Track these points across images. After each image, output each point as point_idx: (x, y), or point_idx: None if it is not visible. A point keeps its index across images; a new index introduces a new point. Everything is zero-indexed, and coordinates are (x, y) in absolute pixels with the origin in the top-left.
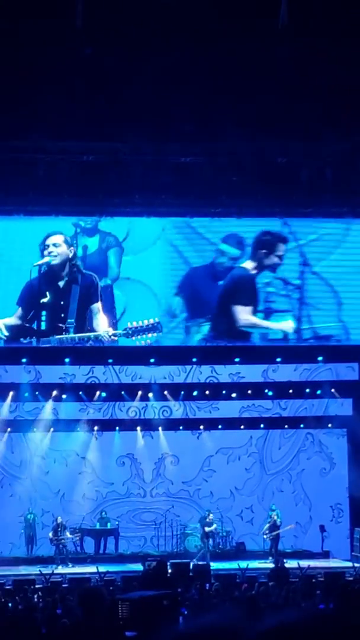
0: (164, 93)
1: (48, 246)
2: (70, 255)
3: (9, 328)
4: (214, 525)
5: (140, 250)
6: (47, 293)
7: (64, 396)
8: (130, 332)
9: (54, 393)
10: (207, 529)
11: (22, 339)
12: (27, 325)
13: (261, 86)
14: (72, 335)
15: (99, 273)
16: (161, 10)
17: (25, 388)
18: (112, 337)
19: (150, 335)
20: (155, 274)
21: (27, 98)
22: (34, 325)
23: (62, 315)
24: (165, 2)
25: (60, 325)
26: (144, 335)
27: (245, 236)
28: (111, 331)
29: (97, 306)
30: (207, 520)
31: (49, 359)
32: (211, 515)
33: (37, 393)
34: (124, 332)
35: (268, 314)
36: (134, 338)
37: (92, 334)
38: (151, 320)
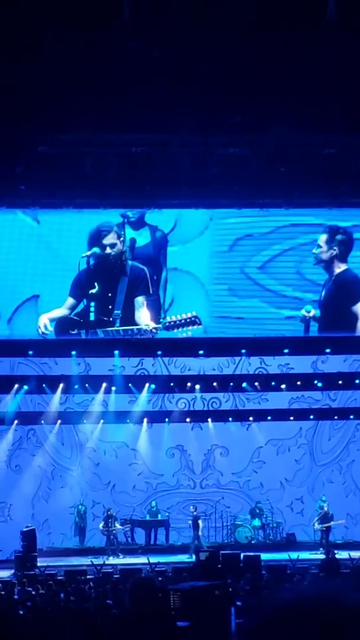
0: (211, 84)
1: (105, 246)
2: (122, 248)
3: (57, 321)
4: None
5: (188, 241)
6: (96, 284)
7: (113, 388)
8: (169, 325)
9: (104, 385)
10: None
11: (70, 331)
12: (75, 317)
13: (308, 78)
14: (117, 327)
15: (151, 265)
16: (208, 2)
17: (75, 380)
18: (153, 330)
19: (189, 328)
20: (202, 264)
21: (73, 91)
22: (83, 316)
23: (110, 307)
24: None
25: (106, 318)
26: (184, 329)
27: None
28: (152, 325)
29: (141, 299)
30: (193, 512)
31: (98, 351)
32: (192, 507)
33: (86, 385)
34: (163, 326)
35: None
36: (175, 330)
37: (134, 327)
38: (189, 315)
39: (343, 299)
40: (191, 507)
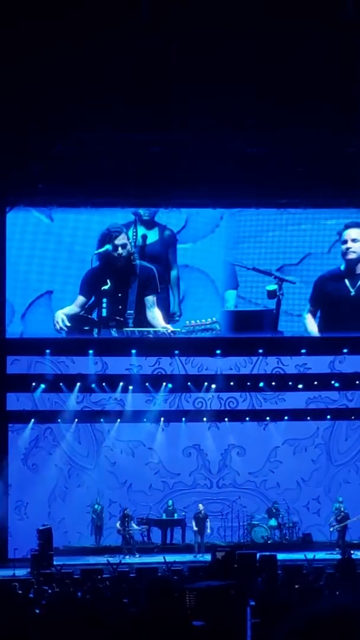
0: (229, 84)
1: (117, 247)
2: (131, 250)
3: (70, 317)
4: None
5: (199, 238)
6: (108, 281)
7: (130, 387)
8: (189, 330)
9: (121, 384)
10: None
11: (84, 327)
12: (86, 314)
13: (327, 76)
14: (131, 328)
15: (159, 263)
16: (226, 2)
17: (92, 379)
18: (171, 334)
19: (208, 332)
20: (213, 262)
21: (92, 90)
22: (95, 313)
23: (120, 307)
24: None
25: (119, 317)
26: (202, 333)
27: None
28: (170, 328)
29: (151, 298)
30: (200, 514)
31: (115, 350)
32: (200, 506)
33: (103, 384)
34: (183, 330)
35: None
36: (192, 335)
37: (151, 329)
38: (209, 320)
39: None
40: (200, 505)
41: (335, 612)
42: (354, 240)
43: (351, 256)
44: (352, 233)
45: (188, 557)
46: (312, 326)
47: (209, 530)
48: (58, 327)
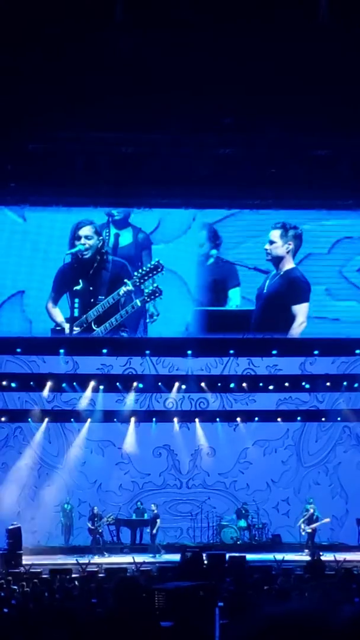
0: (204, 85)
1: (80, 237)
2: (100, 244)
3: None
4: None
5: (171, 240)
6: (80, 281)
7: (101, 387)
8: (137, 281)
9: (92, 384)
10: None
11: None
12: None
13: (301, 78)
14: (97, 308)
15: (133, 265)
16: (201, 3)
17: (62, 378)
18: (126, 288)
19: (156, 275)
20: (185, 263)
21: (66, 89)
22: (68, 312)
23: (92, 300)
24: None
25: (92, 301)
26: (151, 278)
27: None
28: (127, 287)
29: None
30: (153, 511)
31: (86, 349)
32: (153, 505)
33: (74, 383)
34: (133, 282)
35: None
36: (144, 282)
37: (114, 294)
38: (153, 263)
39: (286, 297)
40: (152, 505)
41: (297, 619)
42: (270, 242)
43: (268, 258)
44: (272, 235)
45: (157, 558)
46: None
47: (155, 531)
48: (58, 320)
